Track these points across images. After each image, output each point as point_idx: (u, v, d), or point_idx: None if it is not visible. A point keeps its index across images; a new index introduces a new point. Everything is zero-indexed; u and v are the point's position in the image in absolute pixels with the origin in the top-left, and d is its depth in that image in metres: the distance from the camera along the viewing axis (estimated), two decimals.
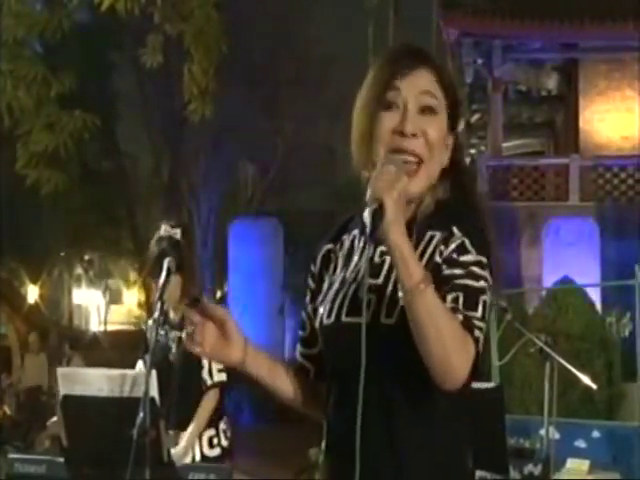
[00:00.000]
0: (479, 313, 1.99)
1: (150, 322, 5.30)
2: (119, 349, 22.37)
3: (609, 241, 17.91)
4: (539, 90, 25.15)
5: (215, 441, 5.03)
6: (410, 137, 2.09)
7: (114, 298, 47.31)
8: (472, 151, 26.49)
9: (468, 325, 1.96)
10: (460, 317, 1.96)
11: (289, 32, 24.53)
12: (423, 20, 22.26)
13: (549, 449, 5.56)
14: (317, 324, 2.19)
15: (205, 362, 5.02)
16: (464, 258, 2.02)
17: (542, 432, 5.61)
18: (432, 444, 2.05)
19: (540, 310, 12.33)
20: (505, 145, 22.47)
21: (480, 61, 22.18)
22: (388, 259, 2.08)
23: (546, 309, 12.15)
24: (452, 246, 2.04)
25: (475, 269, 2.01)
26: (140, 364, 5.20)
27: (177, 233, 4.92)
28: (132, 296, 45.58)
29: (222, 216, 24.35)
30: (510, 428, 4.70)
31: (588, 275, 16.39)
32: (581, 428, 7.87)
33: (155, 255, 4.83)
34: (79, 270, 38.72)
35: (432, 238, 2.08)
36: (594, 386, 6.09)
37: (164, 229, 4.94)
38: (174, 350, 5.03)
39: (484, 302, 2.00)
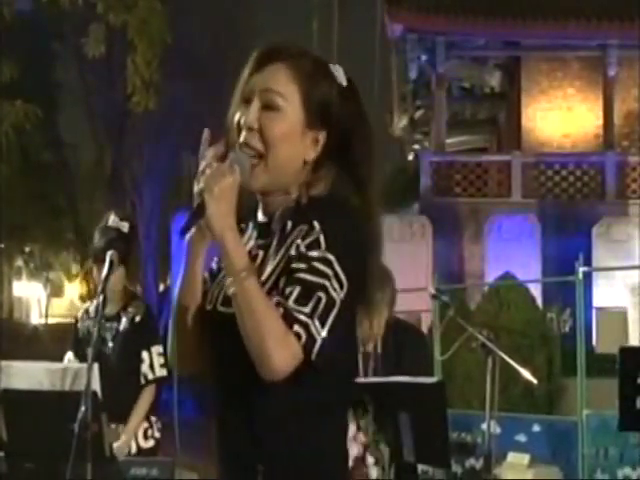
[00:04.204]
0: (308, 309, 1.94)
1: (81, 313, 5.25)
2: (60, 342, 22.12)
3: (550, 237, 18.10)
4: (482, 87, 25.33)
5: (149, 433, 5.08)
6: (247, 130, 2.11)
7: (55, 290, 46.87)
8: (416, 147, 26.61)
9: (288, 319, 1.93)
10: (281, 310, 1.94)
11: (235, 26, 24.44)
12: (368, 15, 22.32)
13: (490, 443, 5.59)
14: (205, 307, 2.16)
15: (146, 356, 4.99)
16: (312, 253, 1.98)
17: (483, 426, 5.63)
18: (293, 442, 2.03)
19: (482, 305, 12.41)
20: (448, 141, 22.58)
21: (424, 57, 22.28)
22: (262, 252, 2.10)
23: (488, 305, 12.23)
24: (307, 241, 2.00)
25: (318, 265, 1.97)
26: (69, 355, 5.14)
27: (125, 226, 4.91)
28: (73, 288, 45.19)
29: (165, 208, 24.19)
30: (452, 423, 4.72)
31: (529, 271, 16.56)
32: (522, 422, 7.94)
33: (102, 244, 4.80)
34: (19, 262, 38.29)
35: (300, 232, 2.04)
36: (535, 381, 6.12)
37: (112, 219, 4.91)
38: (110, 343, 4.99)
39: (319, 298, 1.95)
